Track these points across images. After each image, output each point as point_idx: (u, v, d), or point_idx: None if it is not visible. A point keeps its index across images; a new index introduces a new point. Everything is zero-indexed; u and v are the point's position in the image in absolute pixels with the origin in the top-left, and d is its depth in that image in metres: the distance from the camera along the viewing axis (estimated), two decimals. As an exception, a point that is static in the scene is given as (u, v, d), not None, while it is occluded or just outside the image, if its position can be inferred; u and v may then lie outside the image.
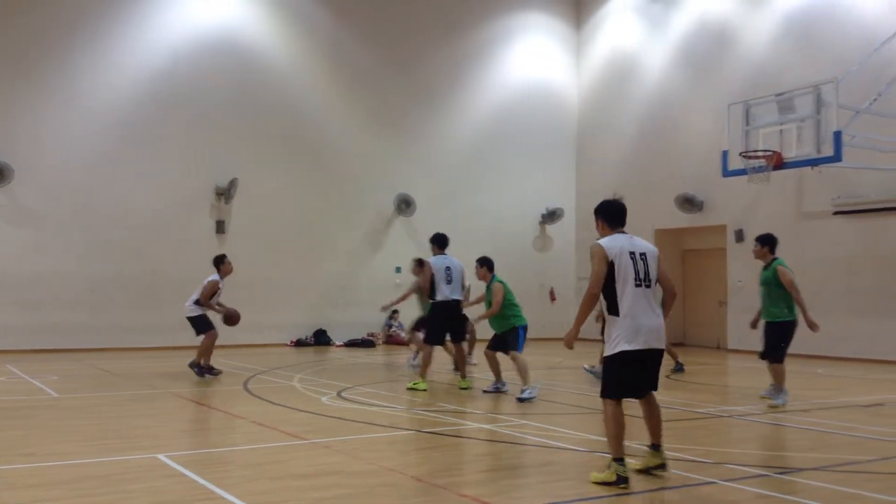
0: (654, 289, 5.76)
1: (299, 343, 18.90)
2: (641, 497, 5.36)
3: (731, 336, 18.55)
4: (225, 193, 18.26)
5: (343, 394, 10.24)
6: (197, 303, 12.10)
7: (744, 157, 13.80)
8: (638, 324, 5.60)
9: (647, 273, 5.73)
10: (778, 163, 13.37)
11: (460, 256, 11.59)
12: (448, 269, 10.85)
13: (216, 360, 12.73)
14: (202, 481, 5.55)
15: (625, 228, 5.96)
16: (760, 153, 13.54)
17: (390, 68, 20.60)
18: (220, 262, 12.35)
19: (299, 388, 10.85)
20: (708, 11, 19.63)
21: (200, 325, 12.19)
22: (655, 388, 5.93)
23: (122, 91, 17.59)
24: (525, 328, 10.16)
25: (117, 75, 17.57)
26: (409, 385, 10.79)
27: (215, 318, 12.52)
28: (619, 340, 5.61)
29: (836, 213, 16.35)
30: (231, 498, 5.11)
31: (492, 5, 22.10)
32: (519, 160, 22.12)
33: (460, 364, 11.18)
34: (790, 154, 13.31)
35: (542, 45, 22.77)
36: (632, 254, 5.72)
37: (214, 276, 12.13)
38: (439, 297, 10.77)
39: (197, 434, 8.00)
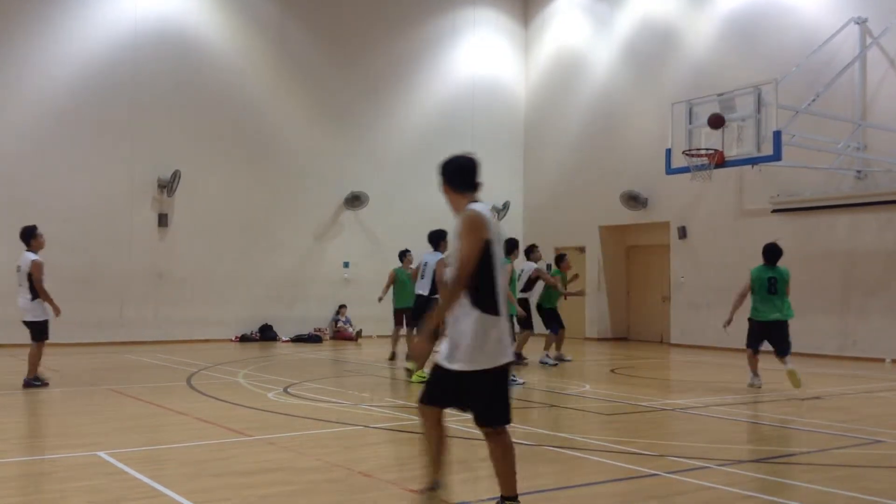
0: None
1: (244, 338, 18.66)
2: (585, 489, 5.41)
3: (673, 330, 18.88)
4: (167, 186, 17.91)
5: (289, 390, 10.13)
6: (34, 299, 10.15)
7: (687, 155, 14.04)
8: (508, 327, 4.46)
9: (500, 260, 4.47)
10: (720, 161, 13.63)
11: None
12: (425, 264, 11.65)
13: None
14: (143, 478, 5.44)
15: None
16: (703, 152, 13.78)
17: (338, 62, 20.44)
18: (31, 235, 10.34)
19: (244, 385, 10.71)
20: (652, 11, 19.91)
21: (43, 330, 10.32)
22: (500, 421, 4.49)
23: (59, 80, 17.11)
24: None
25: (55, 64, 17.08)
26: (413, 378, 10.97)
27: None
28: (501, 349, 4.32)
29: (775, 210, 16.76)
30: (173, 495, 5.01)
31: (440, 1, 22.06)
32: (466, 156, 22.14)
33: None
34: (731, 153, 13.58)
35: (490, 41, 22.83)
36: (498, 235, 4.42)
37: (32, 255, 10.20)
38: (415, 292, 11.93)
39: (138, 431, 7.83)
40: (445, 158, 4.59)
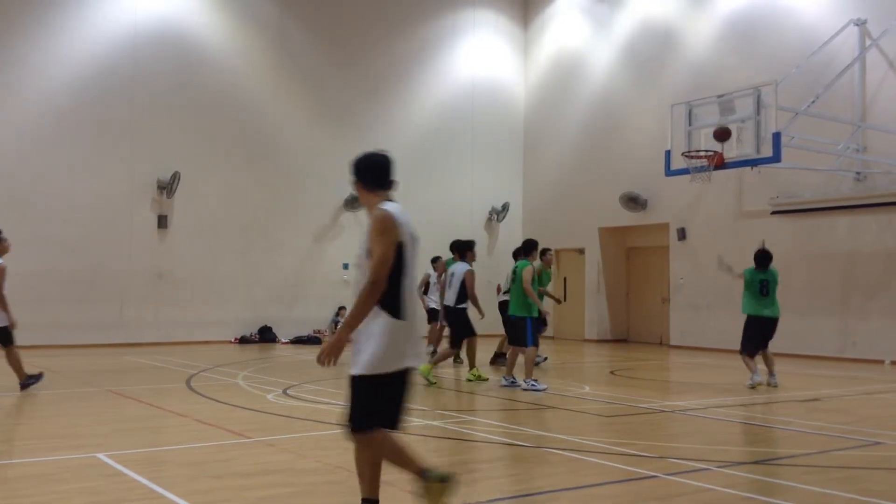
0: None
1: (243, 340, 18.65)
2: (585, 491, 5.41)
3: (673, 332, 18.88)
4: (167, 187, 17.91)
5: (289, 391, 10.13)
6: None
7: (686, 156, 14.05)
8: (416, 332, 4.32)
9: (415, 265, 4.35)
10: (719, 163, 13.64)
11: None
12: (451, 274, 11.92)
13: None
14: (143, 480, 5.44)
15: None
16: (702, 153, 13.79)
17: (337, 63, 20.45)
18: None
19: (244, 386, 10.71)
20: (651, 12, 19.92)
21: (7, 336, 9.95)
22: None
23: (60, 81, 17.11)
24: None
25: (55, 64, 17.08)
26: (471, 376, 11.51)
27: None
28: (405, 353, 4.17)
29: (774, 212, 16.76)
30: (172, 497, 5.01)
31: (440, 2, 22.09)
32: (466, 157, 22.18)
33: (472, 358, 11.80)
34: (731, 154, 13.58)
35: (490, 42, 22.84)
36: (412, 237, 4.32)
37: None
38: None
39: (137, 433, 7.83)
40: (358, 155, 4.47)
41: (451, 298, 11.85)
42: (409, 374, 4.22)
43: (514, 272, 10.99)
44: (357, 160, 4.43)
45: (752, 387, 10.86)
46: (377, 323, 4.10)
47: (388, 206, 4.22)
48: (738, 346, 11.57)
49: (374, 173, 4.37)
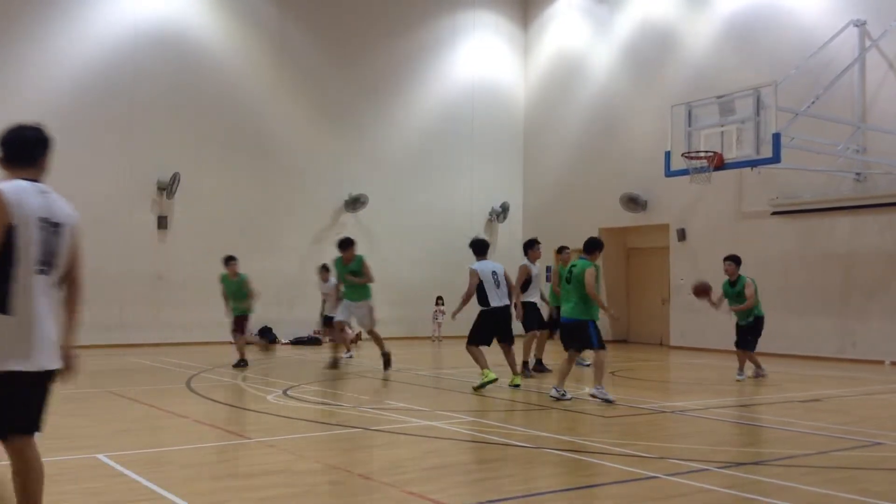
0: (55, 278, 3.86)
1: (243, 341, 18.63)
2: (585, 492, 5.42)
3: (673, 333, 18.88)
4: (167, 188, 17.91)
5: (289, 392, 10.13)
6: None
7: (686, 157, 14.05)
8: (40, 330, 3.72)
9: (56, 253, 3.81)
10: (719, 163, 13.65)
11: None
12: (493, 273, 10.73)
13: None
14: (143, 481, 5.44)
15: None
16: (702, 154, 13.80)
17: (337, 64, 20.46)
18: None
19: (244, 387, 10.71)
20: (651, 13, 19.92)
21: None
22: (36, 429, 4.03)
23: (59, 82, 17.12)
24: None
25: (55, 65, 17.10)
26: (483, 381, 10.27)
27: None
28: (10, 353, 3.62)
29: (774, 213, 16.76)
30: (173, 498, 5.01)
31: (440, 3, 22.10)
32: (466, 158, 22.18)
33: (510, 363, 10.92)
34: (730, 155, 13.60)
35: (490, 43, 22.85)
36: (45, 221, 3.76)
37: None
38: (493, 304, 10.63)
39: (138, 434, 7.83)
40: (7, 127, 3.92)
41: (507, 296, 10.77)
42: (16, 378, 3.66)
43: (571, 272, 9.72)
44: (4, 133, 3.89)
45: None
46: None
47: (5, 185, 3.68)
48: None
49: (11, 147, 3.84)
